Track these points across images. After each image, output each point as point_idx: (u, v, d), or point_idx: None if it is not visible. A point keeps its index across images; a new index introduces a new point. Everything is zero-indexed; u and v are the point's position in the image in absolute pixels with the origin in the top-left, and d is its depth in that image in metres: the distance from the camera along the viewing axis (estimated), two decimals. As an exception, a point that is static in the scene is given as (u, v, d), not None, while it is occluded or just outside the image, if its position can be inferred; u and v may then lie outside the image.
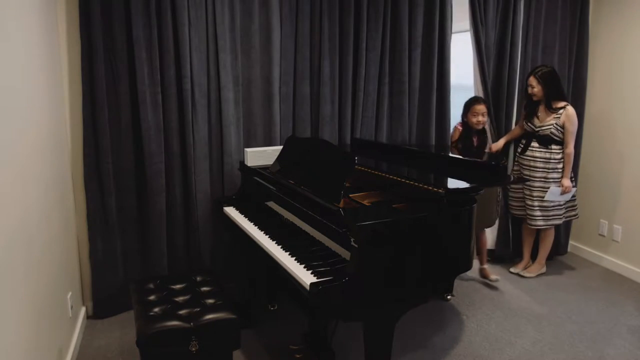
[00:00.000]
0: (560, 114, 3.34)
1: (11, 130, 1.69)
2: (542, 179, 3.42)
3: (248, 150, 2.92)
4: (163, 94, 2.84)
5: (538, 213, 3.47)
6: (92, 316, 2.96)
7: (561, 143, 3.38)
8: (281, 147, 2.86)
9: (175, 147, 2.92)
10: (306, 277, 1.87)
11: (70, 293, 2.56)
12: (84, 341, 2.71)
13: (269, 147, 2.99)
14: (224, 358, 2.12)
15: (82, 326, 2.80)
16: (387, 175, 2.44)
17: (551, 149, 3.39)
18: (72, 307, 2.57)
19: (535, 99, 3.41)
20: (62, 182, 2.55)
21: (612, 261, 3.82)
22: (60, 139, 2.58)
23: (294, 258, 2.05)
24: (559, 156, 3.39)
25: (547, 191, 3.41)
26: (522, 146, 3.54)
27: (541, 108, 3.43)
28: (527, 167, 3.48)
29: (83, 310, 2.90)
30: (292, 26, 3.11)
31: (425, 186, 2.21)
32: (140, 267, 3.01)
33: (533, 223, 3.51)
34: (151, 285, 2.36)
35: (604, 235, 3.90)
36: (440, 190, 2.14)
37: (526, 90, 3.46)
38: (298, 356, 2.44)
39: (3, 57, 1.63)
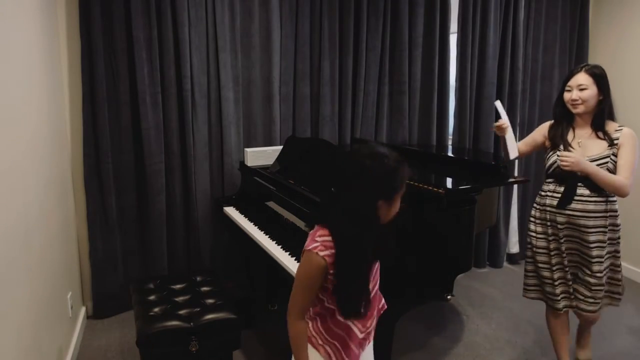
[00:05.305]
0: (618, 138, 2.10)
1: (11, 130, 1.68)
2: (599, 243, 2.19)
3: (248, 150, 2.92)
4: (163, 93, 2.84)
5: (588, 293, 2.21)
6: (92, 316, 2.96)
7: None
8: (281, 147, 2.86)
9: (175, 147, 2.92)
10: (306, 277, 1.87)
11: (70, 293, 2.56)
12: (84, 341, 2.71)
13: (269, 147, 2.99)
14: (224, 358, 2.12)
15: (82, 326, 2.80)
16: (387, 175, 2.43)
17: (607, 194, 2.16)
18: (72, 307, 2.57)
19: (578, 110, 2.12)
20: (62, 182, 2.54)
21: (612, 261, 3.81)
22: (60, 139, 2.58)
23: (294, 258, 2.06)
24: (617, 206, 2.22)
25: (612, 256, 2.31)
26: (559, 196, 2.17)
27: (583, 130, 2.18)
28: (572, 227, 2.18)
29: (83, 310, 2.90)
30: (292, 26, 3.11)
31: (426, 186, 2.21)
32: (140, 267, 3.01)
33: (584, 308, 2.22)
34: (151, 285, 2.36)
35: (604, 235, 3.88)
36: (440, 191, 2.14)
37: (559, 100, 2.22)
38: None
39: (3, 57, 1.63)
